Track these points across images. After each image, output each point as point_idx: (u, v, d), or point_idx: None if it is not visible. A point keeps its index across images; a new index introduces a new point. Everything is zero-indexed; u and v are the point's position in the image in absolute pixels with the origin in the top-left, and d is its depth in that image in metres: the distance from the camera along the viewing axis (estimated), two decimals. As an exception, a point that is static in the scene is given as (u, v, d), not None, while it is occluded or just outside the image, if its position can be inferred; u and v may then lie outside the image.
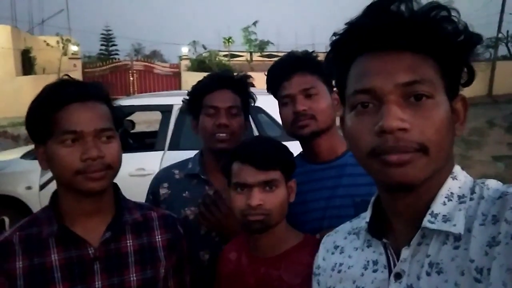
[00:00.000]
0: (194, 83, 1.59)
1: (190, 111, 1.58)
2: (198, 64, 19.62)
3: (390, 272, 0.71)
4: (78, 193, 1.03)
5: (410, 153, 0.63)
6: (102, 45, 36.16)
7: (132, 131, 5.94)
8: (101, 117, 1.04)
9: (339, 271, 0.82)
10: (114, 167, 1.05)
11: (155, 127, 5.62)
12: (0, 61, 16.01)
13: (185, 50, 21.48)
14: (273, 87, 1.38)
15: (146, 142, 5.46)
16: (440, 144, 0.65)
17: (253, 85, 1.59)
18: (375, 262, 0.75)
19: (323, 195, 1.32)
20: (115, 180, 1.12)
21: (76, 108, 1.01)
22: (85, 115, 1.01)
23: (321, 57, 1.05)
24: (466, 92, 0.72)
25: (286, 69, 1.34)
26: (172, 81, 19.24)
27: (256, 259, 1.18)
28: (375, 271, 0.74)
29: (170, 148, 3.93)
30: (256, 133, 3.69)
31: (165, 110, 4.16)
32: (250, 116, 1.64)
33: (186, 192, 1.51)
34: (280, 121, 1.42)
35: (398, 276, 0.69)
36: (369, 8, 0.68)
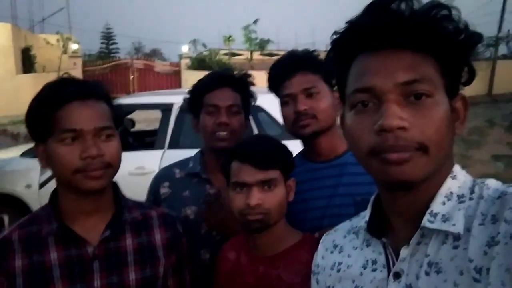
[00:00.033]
0: (194, 81, 1.59)
1: (190, 109, 1.58)
2: (198, 63, 19.57)
3: (389, 271, 0.71)
4: (78, 191, 1.03)
5: (410, 151, 0.63)
6: (102, 43, 36.26)
7: (132, 129, 5.93)
8: (101, 115, 1.04)
9: (338, 270, 0.82)
10: (113, 166, 1.05)
11: (155, 125, 5.61)
12: (0, 59, 15.97)
13: (185, 48, 21.41)
14: (274, 86, 1.38)
15: (146, 140, 5.43)
16: (439, 143, 0.65)
17: (253, 84, 1.59)
18: (374, 262, 0.75)
19: (323, 194, 1.32)
20: (115, 179, 1.12)
21: (76, 106, 1.01)
22: (85, 114, 1.01)
23: (322, 56, 1.05)
24: (466, 91, 0.72)
25: (288, 68, 1.34)
26: (172, 79, 19.18)
27: (255, 258, 1.18)
28: (374, 270, 0.74)
29: (170, 147, 3.92)
30: (256, 131, 3.68)
31: (165, 108, 4.15)
32: (250, 114, 1.64)
33: (187, 191, 1.51)
34: (280, 120, 1.42)
35: (397, 276, 0.69)
36: (369, 7, 0.68)
